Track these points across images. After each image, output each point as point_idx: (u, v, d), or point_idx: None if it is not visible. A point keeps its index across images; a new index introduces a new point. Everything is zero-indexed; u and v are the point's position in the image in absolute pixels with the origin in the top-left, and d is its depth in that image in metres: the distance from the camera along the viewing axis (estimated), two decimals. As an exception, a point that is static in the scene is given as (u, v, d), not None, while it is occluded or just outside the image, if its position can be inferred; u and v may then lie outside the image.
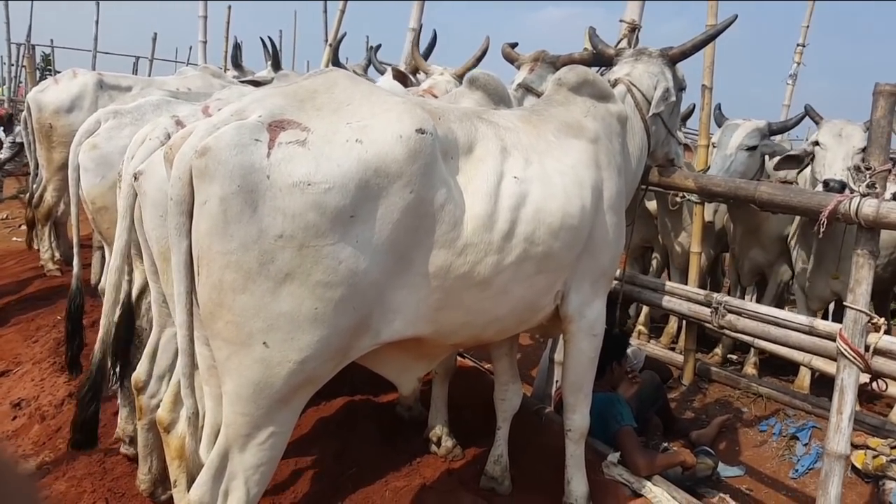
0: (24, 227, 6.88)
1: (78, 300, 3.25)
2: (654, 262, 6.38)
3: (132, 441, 3.26)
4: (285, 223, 1.67)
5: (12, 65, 16.15)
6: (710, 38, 3.26)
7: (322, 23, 10.03)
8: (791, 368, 5.08)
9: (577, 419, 2.85)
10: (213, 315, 1.75)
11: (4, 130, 8.59)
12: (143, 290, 3.09)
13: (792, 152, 4.16)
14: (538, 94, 3.58)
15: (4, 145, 8.35)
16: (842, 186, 3.54)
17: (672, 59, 3.17)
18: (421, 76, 4.81)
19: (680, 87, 3.25)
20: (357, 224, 1.76)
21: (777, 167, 4.13)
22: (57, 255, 6.43)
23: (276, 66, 6.00)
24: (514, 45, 3.96)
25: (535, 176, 2.24)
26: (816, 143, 3.93)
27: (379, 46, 5.82)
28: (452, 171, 2.03)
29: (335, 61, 5.40)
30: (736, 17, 3.16)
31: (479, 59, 4.09)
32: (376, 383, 3.77)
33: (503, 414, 3.12)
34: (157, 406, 2.64)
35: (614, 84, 3.05)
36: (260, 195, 1.66)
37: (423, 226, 1.92)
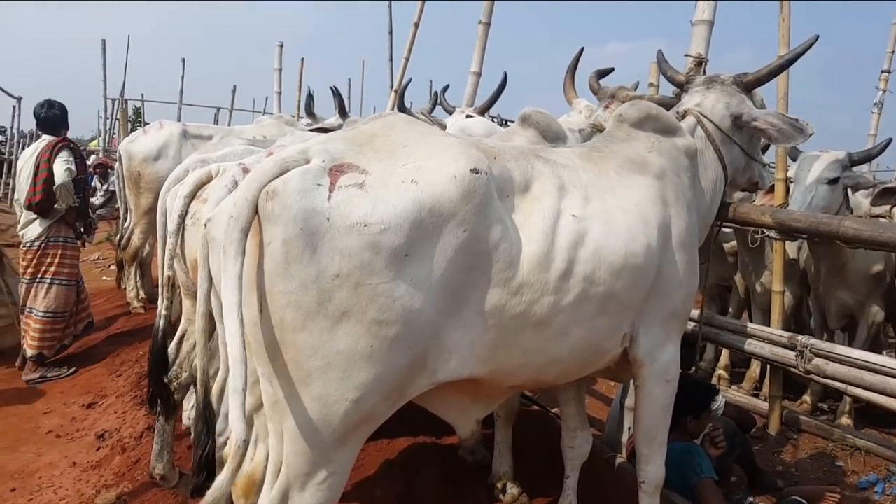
0: (113, 268, 7.33)
1: (162, 338, 3.35)
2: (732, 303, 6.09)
3: (162, 478, 3.40)
4: (342, 262, 1.70)
5: (107, 118, 17.48)
6: (787, 63, 3.03)
7: (388, 70, 10.36)
8: (893, 419, 4.67)
9: (652, 470, 2.69)
10: (275, 353, 1.79)
11: (101, 179, 9.28)
12: (185, 334, 3.23)
13: (890, 185, 3.88)
14: None
15: (98, 192, 9.01)
16: None
17: (747, 86, 3.00)
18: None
19: None
20: (412, 263, 1.77)
21: (874, 202, 3.86)
22: (142, 293, 6.80)
23: (343, 113, 6.25)
24: (605, 73, 3.78)
25: (596, 214, 2.19)
26: (917, 175, 3.67)
27: (447, 88, 5.92)
28: (508, 210, 2.01)
29: (401, 106, 5.54)
30: (817, 37, 2.92)
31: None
32: (439, 425, 3.71)
33: (572, 462, 3.00)
34: (224, 444, 2.69)
35: (683, 115, 2.94)
36: (320, 237, 1.70)
37: (478, 265, 1.90)
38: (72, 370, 5.33)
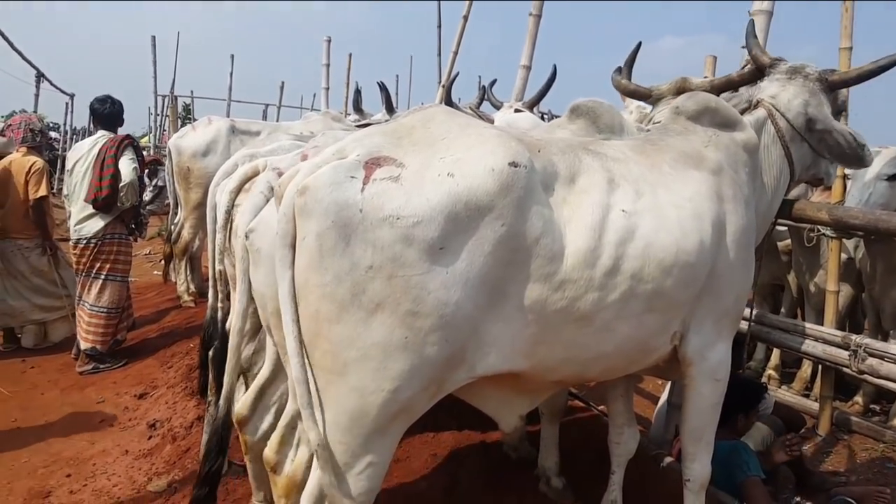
0: (163, 262, 7.50)
1: (212, 330, 3.42)
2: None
3: None
4: (375, 255, 1.70)
5: (157, 115, 17.85)
6: (880, 70, 2.75)
7: (436, 65, 10.34)
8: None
9: (697, 468, 2.63)
10: (311, 345, 1.80)
11: (150, 175, 9.53)
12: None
13: None
14: None
15: (148, 188, 9.26)
16: None
17: (831, 85, 2.86)
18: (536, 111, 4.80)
19: (838, 112, 2.96)
20: (447, 256, 1.76)
21: None
22: (192, 287, 6.96)
23: (390, 109, 6.26)
24: (621, 70, 3.55)
25: (647, 209, 2.12)
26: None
27: (494, 82, 5.87)
28: (552, 205, 1.97)
29: (447, 101, 5.52)
30: None
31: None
32: (484, 420, 3.70)
33: (618, 459, 2.96)
34: (260, 440, 2.70)
35: (756, 105, 2.82)
36: (353, 229, 1.70)
37: (517, 259, 1.87)
38: (123, 361, 5.49)
